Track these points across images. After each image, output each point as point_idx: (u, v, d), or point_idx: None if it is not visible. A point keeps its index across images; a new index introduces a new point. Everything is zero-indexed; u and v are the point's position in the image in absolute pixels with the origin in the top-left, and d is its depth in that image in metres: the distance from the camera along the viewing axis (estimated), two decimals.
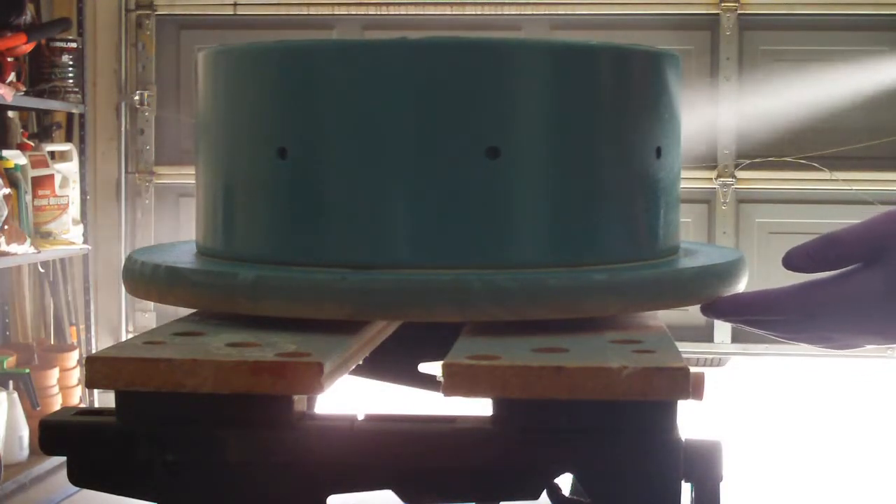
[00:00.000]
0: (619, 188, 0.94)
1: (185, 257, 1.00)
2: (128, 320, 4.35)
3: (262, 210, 0.94)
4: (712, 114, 4.06)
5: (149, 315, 4.30)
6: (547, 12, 4.15)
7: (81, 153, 4.08)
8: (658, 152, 0.96)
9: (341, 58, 0.91)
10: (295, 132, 0.91)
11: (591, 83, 0.92)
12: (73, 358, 4.03)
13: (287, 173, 0.92)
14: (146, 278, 0.96)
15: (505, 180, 0.89)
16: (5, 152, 3.65)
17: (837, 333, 0.88)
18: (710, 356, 4.09)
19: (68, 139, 4.16)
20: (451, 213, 0.89)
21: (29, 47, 3.74)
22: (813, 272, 0.89)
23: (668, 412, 0.77)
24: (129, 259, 1.00)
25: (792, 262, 0.89)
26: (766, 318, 0.90)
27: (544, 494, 0.80)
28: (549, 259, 0.91)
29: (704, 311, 0.93)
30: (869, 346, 0.90)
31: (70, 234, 3.92)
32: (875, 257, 0.86)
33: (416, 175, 0.89)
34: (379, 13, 4.20)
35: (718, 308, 0.92)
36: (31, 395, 3.66)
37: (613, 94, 0.94)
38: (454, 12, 4.17)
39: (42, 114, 4.14)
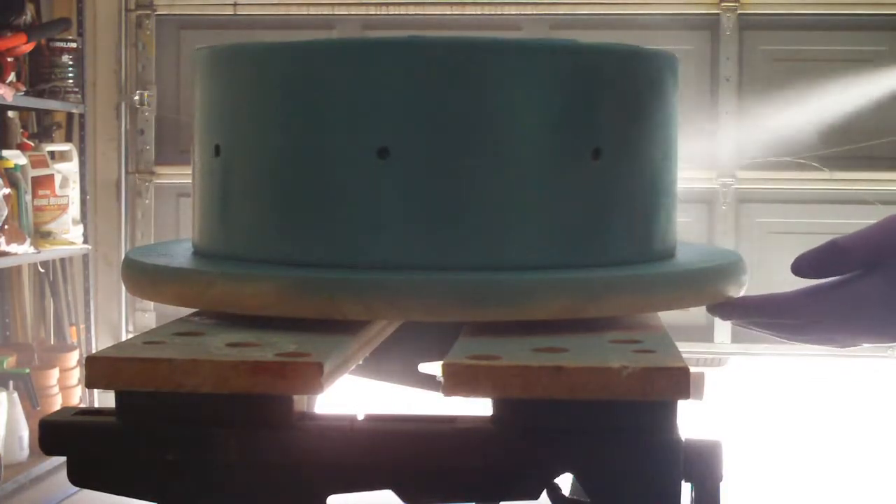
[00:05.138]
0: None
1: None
2: (128, 320, 4.35)
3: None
4: (712, 114, 4.06)
5: (149, 315, 4.30)
6: (547, 12, 4.15)
7: (81, 153, 4.08)
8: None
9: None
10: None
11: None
12: (73, 358, 4.03)
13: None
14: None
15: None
16: (5, 152, 3.65)
17: (840, 335, 0.93)
18: (710, 356, 4.09)
19: (68, 139, 4.16)
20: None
21: (29, 47, 3.75)
22: (819, 278, 0.93)
23: (668, 412, 0.77)
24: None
25: (800, 269, 0.93)
26: (772, 320, 0.93)
27: (544, 494, 0.80)
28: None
29: (711, 310, 0.96)
30: (868, 345, 0.94)
31: (70, 234, 3.92)
32: (876, 263, 0.90)
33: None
34: (379, 13, 4.20)
35: (726, 309, 0.96)
36: (31, 395, 3.66)
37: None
38: (454, 12, 4.17)
39: (42, 114, 4.14)
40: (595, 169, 0.92)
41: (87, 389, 3.85)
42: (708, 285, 0.94)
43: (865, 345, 0.94)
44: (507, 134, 0.89)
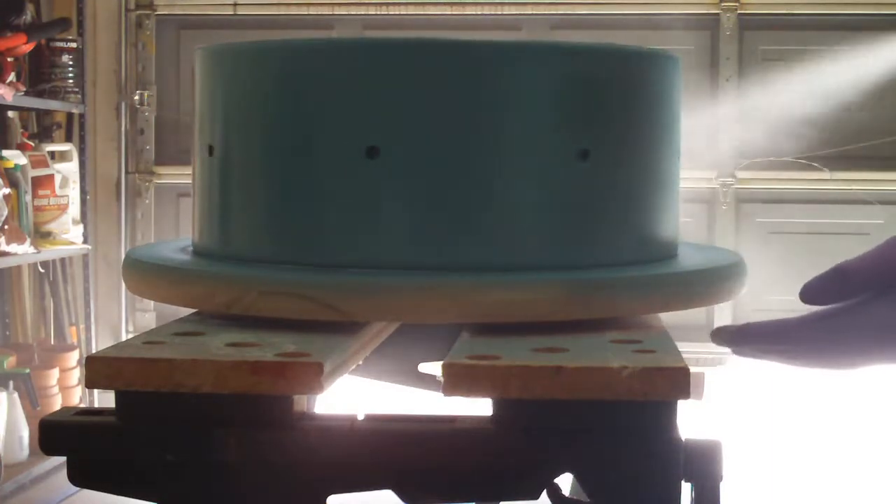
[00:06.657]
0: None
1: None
2: (128, 320, 4.35)
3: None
4: (712, 114, 4.06)
5: (149, 315, 4.30)
6: (547, 12, 4.15)
7: (81, 153, 4.08)
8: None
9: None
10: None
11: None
12: (73, 358, 4.03)
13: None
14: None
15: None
16: (5, 152, 3.65)
17: (845, 359, 0.89)
18: (710, 356, 4.09)
19: (68, 139, 4.16)
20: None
21: (29, 47, 3.74)
22: (827, 304, 0.90)
23: (668, 412, 0.77)
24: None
25: (808, 296, 0.89)
26: (780, 348, 0.90)
27: (544, 494, 0.80)
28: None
29: (714, 338, 0.92)
30: (875, 367, 0.92)
31: (70, 234, 3.91)
32: (888, 285, 0.88)
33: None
34: (379, 13, 4.20)
35: (725, 336, 0.91)
36: (31, 395, 3.66)
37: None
38: (454, 12, 4.17)
39: (42, 114, 4.13)
40: (587, 169, 0.92)
41: (87, 389, 3.85)
42: (709, 285, 0.94)
43: (881, 366, 0.92)
44: (507, 135, 0.89)
